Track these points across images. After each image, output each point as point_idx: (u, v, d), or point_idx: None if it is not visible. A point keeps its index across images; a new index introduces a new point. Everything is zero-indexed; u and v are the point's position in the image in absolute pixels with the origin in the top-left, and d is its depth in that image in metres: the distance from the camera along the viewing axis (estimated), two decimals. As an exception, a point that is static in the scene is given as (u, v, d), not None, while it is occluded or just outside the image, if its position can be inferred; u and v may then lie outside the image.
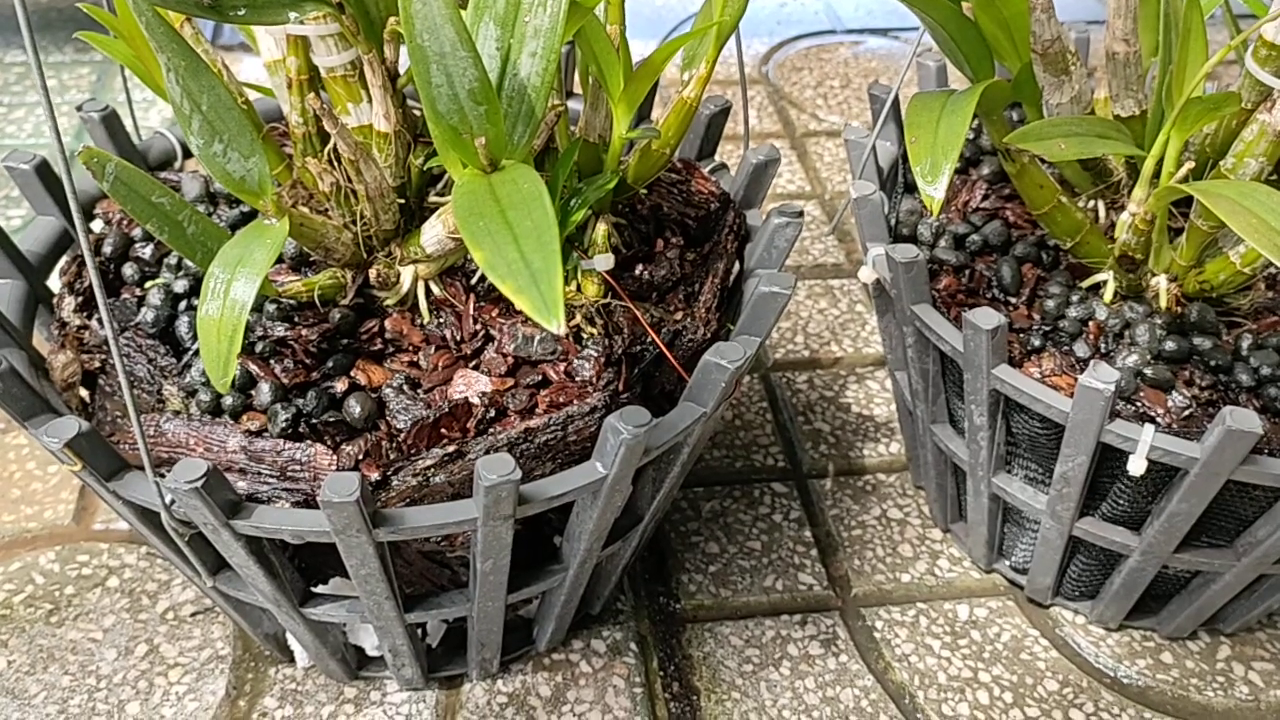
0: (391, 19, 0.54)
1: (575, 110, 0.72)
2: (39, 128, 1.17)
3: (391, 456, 0.54)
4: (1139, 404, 0.60)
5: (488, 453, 0.54)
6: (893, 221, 0.72)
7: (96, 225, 0.68)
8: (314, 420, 0.55)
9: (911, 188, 0.75)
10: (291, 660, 0.70)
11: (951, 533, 0.80)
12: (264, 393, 0.55)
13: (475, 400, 0.56)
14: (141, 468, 0.54)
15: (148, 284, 0.62)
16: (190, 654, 0.70)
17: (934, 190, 0.54)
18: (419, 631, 0.68)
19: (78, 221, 0.42)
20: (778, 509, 0.82)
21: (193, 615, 0.72)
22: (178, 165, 0.74)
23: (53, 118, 0.40)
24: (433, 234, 0.56)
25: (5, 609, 0.72)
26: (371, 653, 0.69)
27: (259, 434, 0.54)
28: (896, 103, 0.75)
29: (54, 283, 0.65)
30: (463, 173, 0.49)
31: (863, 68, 1.36)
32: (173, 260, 0.63)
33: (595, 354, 0.57)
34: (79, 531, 0.78)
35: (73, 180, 0.40)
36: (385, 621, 0.60)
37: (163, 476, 0.51)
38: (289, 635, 0.68)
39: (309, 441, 0.54)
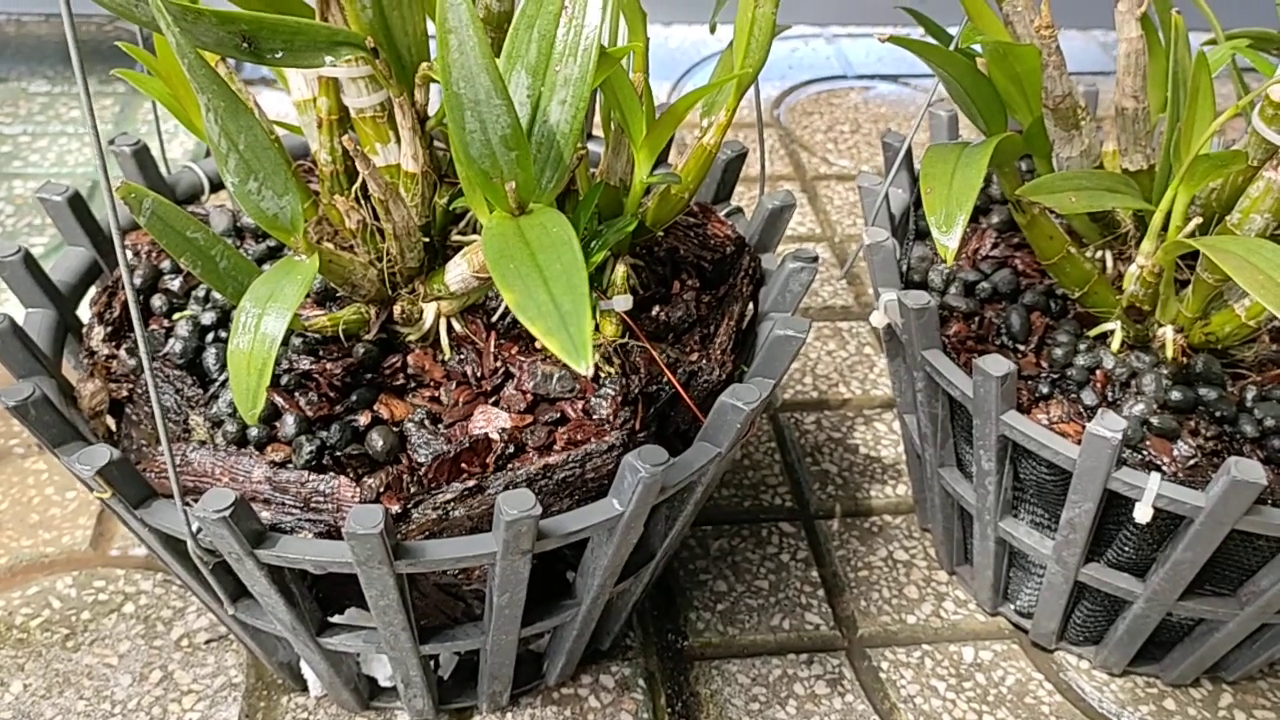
0: (424, 64, 0.56)
1: (594, 153, 0.73)
2: (62, 157, 1.19)
3: (412, 490, 0.55)
4: (1145, 452, 0.61)
5: (507, 488, 0.55)
6: (904, 268, 0.74)
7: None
8: (337, 453, 0.56)
9: (923, 235, 0.77)
10: (304, 689, 0.70)
11: (957, 575, 0.81)
12: (288, 425, 0.57)
13: (495, 436, 0.57)
14: (167, 496, 0.55)
15: (176, 315, 0.63)
16: (204, 681, 0.71)
17: (948, 240, 0.56)
18: (432, 663, 0.69)
19: (120, 255, 0.43)
20: (785, 549, 0.83)
21: (207, 643, 0.73)
22: (204, 199, 0.75)
23: (100, 154, 0.41)
24: (457, 273, 0.57)
25: (22, 633, 0.73)
26: (384, 683, 0.69)
27: (283, 465, 0.55)
28: (909, 152, 0.76)
29: (82, 312, 0.67)
30: (491, 215, 0.50)
31: (872, 113, 1.38)
32: (200, 293, 0.64)
33: (612, 393, 0.58)
34: (96, 557, 0.79)
35: (118, 215, 0.41)
36: (401, 652, 0.61)
37: (189, 505, 0.52)
38: (303, 664, 0.69)
39: (333, 474, 0.55)
